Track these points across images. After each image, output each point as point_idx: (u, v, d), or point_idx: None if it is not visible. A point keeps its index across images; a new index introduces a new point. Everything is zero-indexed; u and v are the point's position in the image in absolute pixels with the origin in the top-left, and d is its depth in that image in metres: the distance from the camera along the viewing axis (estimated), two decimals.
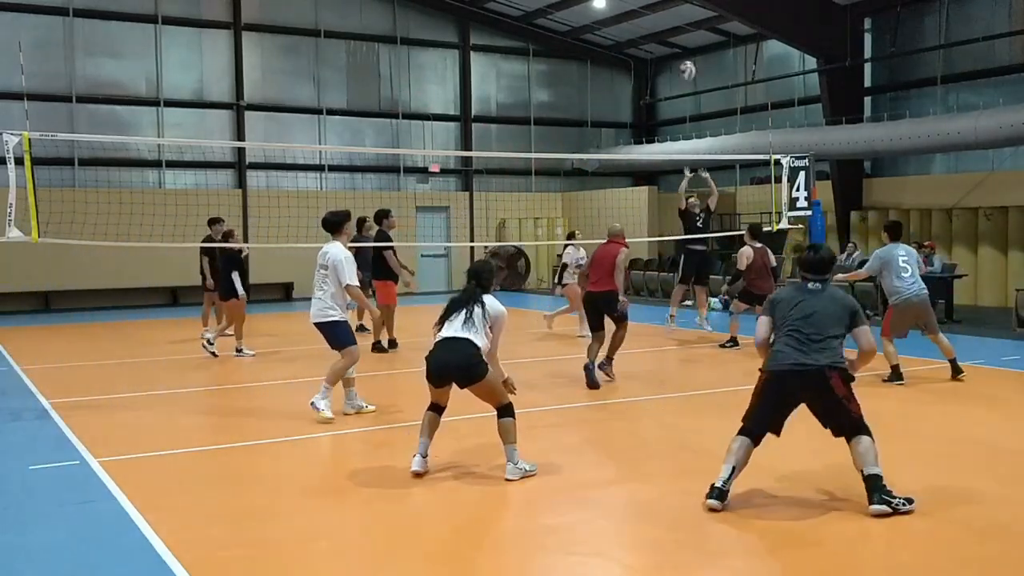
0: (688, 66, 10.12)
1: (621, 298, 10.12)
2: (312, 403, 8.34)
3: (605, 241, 10.61)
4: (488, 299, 6.69)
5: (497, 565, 5.08)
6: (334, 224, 8.69)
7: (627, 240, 10.72)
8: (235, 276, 12.57)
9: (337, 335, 8.53)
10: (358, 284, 8.58)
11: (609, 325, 10.27)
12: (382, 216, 13.12)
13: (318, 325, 8.56)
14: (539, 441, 7.45)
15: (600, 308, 10.21)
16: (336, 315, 8.47)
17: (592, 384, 9.95)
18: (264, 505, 6.10)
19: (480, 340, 6.49)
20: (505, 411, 6.51)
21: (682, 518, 5.66)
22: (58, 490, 6.44)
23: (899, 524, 5.49)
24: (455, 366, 6.43)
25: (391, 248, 12.80)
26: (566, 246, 15.13)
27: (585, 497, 6.14)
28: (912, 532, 5.40)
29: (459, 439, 7.69)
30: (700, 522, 5.60)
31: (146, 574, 4.88)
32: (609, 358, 10.26)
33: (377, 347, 12.88)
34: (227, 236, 13.22)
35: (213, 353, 12.48)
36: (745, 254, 12.97)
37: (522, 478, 6.47)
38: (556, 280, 15.32)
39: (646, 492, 6.31)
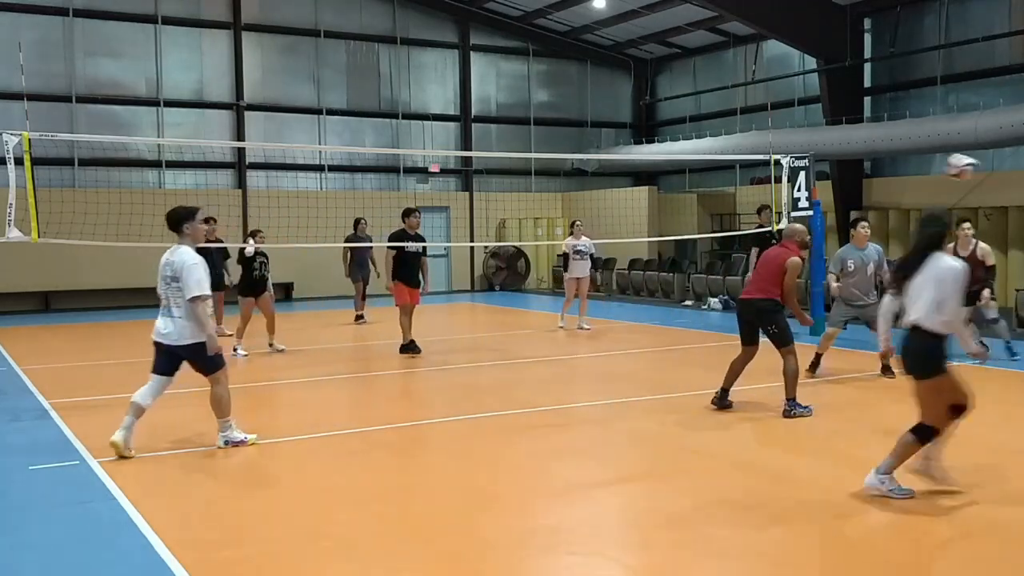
0: (960, 164, 7.92)
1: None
2: (225, 442, 7.37)
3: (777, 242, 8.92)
4: (937, 258, 5.55)
5: (497, 565, 5.08)
6: (175, 220, 7.22)
7: (628, 240, 9.90)
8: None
9: (209, 359, 7.16)
10: (209, 295, 7.16)
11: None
12: (403, 215, 12.78)
13: (180, 348, 7.10)
14: (538, 441, 7.45)
15: (753, 321, 8.61)
16: (203, 335, 7.10)
17: (723, 407, 8.70)
18: (264, 505, 6.11)
19: (930, 319, 5.50)
20: (919, 431, 5.78)
21: (682, 518, 5.66)
22: (58, 490, 6.44)
23: (900, 524, 5.49)
24: (906, 357, 5.72)
25: (400, 248, 12.48)
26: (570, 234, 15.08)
27: (584, 497, 6.14)
28: (912, 531, 5.41)
29: (460, 440, 7.68)
30: (700, 522, 5.59)
31: (146, 574, 4.88)
32: (789, 398, 8.40)
33: (408, 348, 12.66)
34: (253, 235, 13.42)
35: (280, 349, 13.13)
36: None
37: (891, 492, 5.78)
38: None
39: (646, 492, 6.31)
